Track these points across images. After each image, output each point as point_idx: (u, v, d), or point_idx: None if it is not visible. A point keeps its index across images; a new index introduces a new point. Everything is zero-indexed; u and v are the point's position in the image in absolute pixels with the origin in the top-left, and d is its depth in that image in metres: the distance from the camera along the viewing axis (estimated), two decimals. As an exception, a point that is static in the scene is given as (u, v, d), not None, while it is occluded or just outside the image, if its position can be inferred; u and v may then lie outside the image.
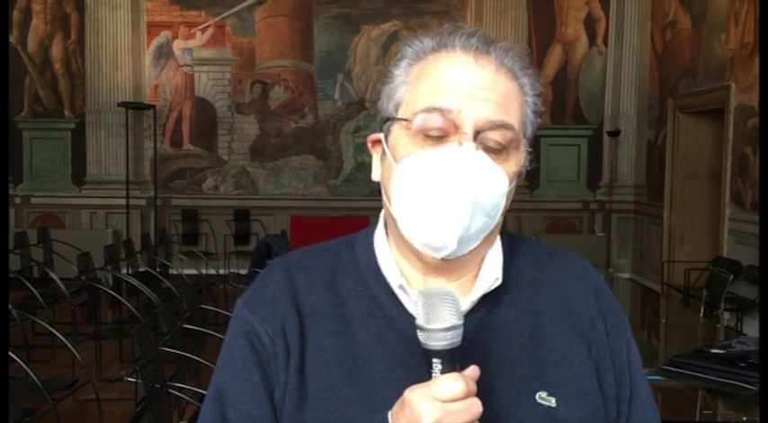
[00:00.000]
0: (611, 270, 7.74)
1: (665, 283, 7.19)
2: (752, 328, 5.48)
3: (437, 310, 0.82)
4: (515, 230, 8.65)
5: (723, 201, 6.49)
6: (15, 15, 8.66)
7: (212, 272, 7.10)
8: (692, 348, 2.95)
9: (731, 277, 5.11)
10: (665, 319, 4.33)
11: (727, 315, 5.58)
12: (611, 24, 8.82)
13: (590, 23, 8.87)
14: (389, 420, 0.83)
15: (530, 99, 0.95)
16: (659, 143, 8.05)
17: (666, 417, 2.75)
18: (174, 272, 6.48)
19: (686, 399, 2.72)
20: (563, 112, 8.94)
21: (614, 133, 8.68)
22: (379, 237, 0.99)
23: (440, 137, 0.89)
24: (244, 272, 7.52)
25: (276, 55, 8.88)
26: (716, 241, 6.69)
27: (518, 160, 0.93)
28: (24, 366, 3.15)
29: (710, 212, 7.08)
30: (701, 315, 4.74)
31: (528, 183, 8.93)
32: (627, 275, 8.26)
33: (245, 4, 8.80)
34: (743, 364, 2.62)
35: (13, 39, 8.68)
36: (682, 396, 2.75)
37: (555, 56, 8.89)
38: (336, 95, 8.91)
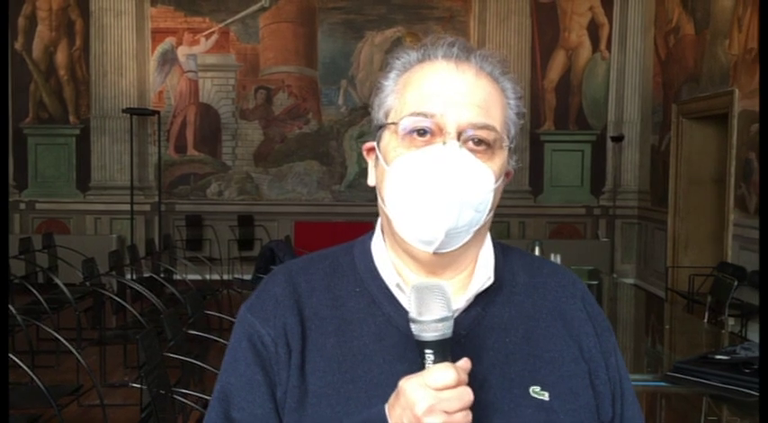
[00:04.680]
0: (614, 275, 7.70)
1: (669, 289, 7.18)
2: (757, 333, 5.46)
3: (428, 302, 0.86)
4: (519, 236, 8.73)
5: (727, 206, 6.48)
6: (21, 22, 8.70)
7: (216, 277, 7.10)
8: (696, 354, 2.94)
9: (736, 283, 5.09)
10: (669, 325, 4.32)
11: (731, 321, 5.56)
12: (615, 30, 8.82)
13: (593, 29, 8.87)
14: (386, 411, 0.86)
15: (512, 102, 1.00)
16: (663, 148, 8.04)
17: (671, 423, 2.76)
18: (179, 277, 6.49)
19: (691, 405, 2.72)
20: (566, 117, 8.94)
21: (618, 139, 8.68)
22: (377, 241, 1.03)
23: (426, 139, 0.94)
24: (248, 277, 7.53)
25: (280, 61, 8.91)
26: (720, 247, 6.67)
27: (502, 159, 0.97)
28: (29, 372, 3.16)
29: (715, 218, 7.07)
30: (706, 321, 4.73)
31: (531, 188, 8.95)
32: (631, 281, 8.24)
33: (249, 11, 8.83)
34: (747, 371, 2.61)
35: (18, 45, 8.72)
36: (686, 402, 2.75)
37: (558, 61, 8.90)
38: (340, 101, 8.93)
